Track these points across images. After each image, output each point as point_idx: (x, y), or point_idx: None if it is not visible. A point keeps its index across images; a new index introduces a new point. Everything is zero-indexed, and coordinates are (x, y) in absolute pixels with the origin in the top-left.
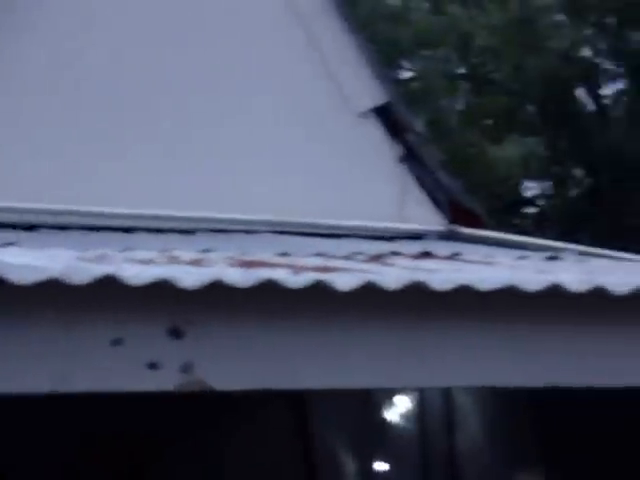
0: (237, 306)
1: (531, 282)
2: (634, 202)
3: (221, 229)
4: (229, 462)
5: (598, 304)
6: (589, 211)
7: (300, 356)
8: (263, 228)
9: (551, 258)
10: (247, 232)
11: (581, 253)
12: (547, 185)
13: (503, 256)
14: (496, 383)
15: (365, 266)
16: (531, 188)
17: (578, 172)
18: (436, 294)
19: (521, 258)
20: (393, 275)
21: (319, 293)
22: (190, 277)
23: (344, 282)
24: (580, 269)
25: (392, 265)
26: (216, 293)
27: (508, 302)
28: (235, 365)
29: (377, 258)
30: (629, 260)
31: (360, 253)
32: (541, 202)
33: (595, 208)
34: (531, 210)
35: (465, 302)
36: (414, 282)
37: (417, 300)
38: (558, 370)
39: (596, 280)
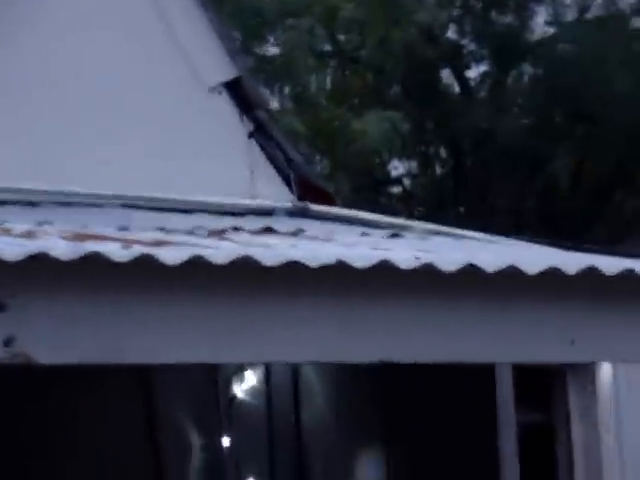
0: (63, 280)
1: (362, 258)
2: (497, 182)
3: (66, 202)
4: (68, 437)
5: (430, 281)
6: (454, 191)
7: (126, 330)
8: (110, 202)
9: (393, 235)
10: (93, 205)
11: (430, 232)
12: (413, 164)
13: (346, 233)
14: (329, 359)
15: (201, 241)
16: (398, 167)
17: (443, 152)
18: (267, 270)
19: (363, 235)
20: (223, 250)
21: (147, 267)
22: (13, 250)
23: (171, 256)
24: (417, 246)
25: (228, 240)
26: (40, 266)
27: (339, 278)
28: (60, 338)
29: (217, 233)
30: (474, 239)
31: (202, 228)
32: (408, 181)
33: (460, 188)
34: (398, 189)
35: (296, 278)
36: (243, 257)
37: (247, 276)
38: (391, 347)
39: (427, 257)
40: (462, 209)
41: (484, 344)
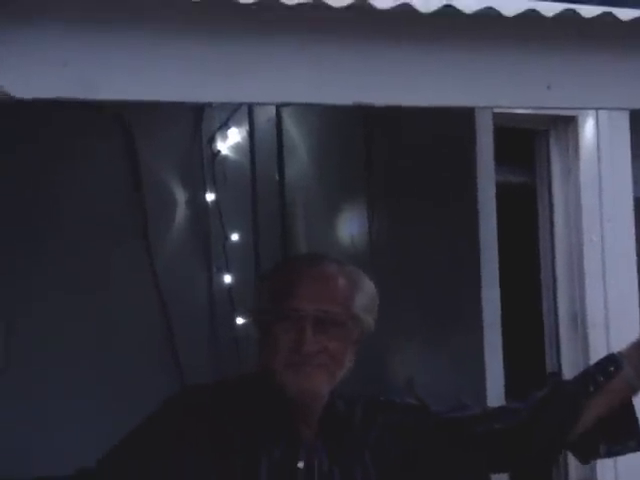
0: (40, 9)
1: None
2: None
3: None
4: (55, 180)
5: (408, 22)
6: None
7: (105, 66)
8: None
9: None
10: None
11: None
12: None
13: None
14: (303, 100)
15: None
16: None
17: None
18: (245, 7)
19: None
20: None
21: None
22: None
23: None
24: None
25: None
26: None
27: (314, 18)
28: (36, 73)
29: None
30: None
31: None
32: None
33: None
34: None
35: (271, 15)
36: None
37: (221, 12)
38: (367, 88)
39: None
40: None
41: (462, 87)
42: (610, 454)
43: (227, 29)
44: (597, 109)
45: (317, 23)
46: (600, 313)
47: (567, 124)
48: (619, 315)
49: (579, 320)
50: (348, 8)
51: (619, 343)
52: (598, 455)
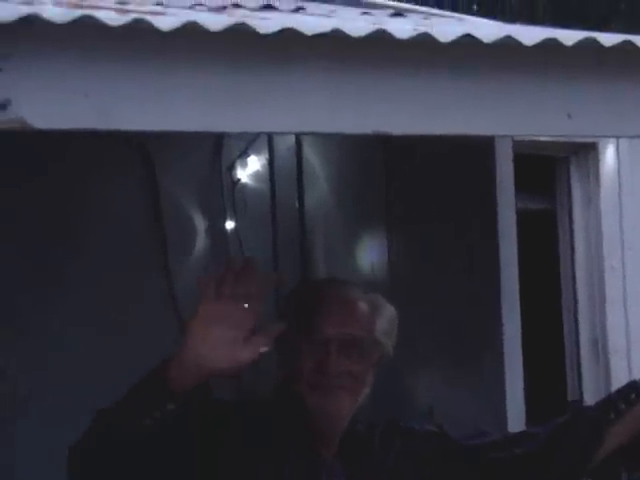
0: (58, 44)
1: (359, 29)
2: None
3: None
4: (77, 208)
5: (427, 52)
6: None
7: (123, 96)
8: None
9: (395, 15)
10: None
11: (433, 14)
12: None
13: (347, 11)
14: (322, 129)
15: (200, 14)
16: None
17: None
18: (261, 37)
19: (364, 14)
20: (220, 17)
21: (141, 33)
22: (5, 9)
23: (166, 22)
24: (417, 23)
25: (227, 14)
26: (34, 30)
27: (334, 47)
28: (54, 103)
29: (217, 9)
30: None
31: (202, 5)
32: None
33: None
34: None
35: (292, 46)
36: (238, 24)
37: (242, 43)
38: (386, 118)
39: (425, 29)
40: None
41: (482, 116)
42: None
43: (245, 59)
44: (617, 137)
45: (336, 53)
46: (621, 339)
47: (587, 151)
48: None
49: (600, 346)
50: (367, 38)
51: None
52: None
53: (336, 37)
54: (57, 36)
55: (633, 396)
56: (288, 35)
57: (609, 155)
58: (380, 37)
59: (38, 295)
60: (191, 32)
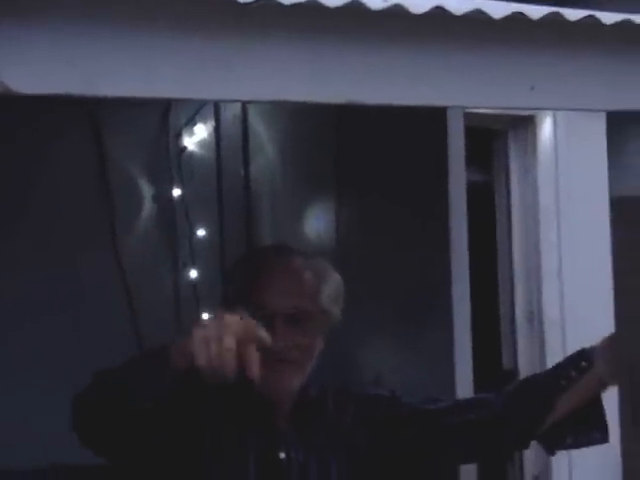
0: (42, 9)
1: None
2: None
3: None
4: (21, 173)
5: (399, 23)
6: None
7: (104, 63)
8: None
9: None
10: None
11: None
12: None
13: None
14: (298, 98)
15: None
16: None
17: None
18: (242, 7)
19: None
20: None
21: None
22: None
23: None
24: None
25: None
26: None
27: (311, 18)
28: (39, 69)
29: None
30: None
31: None
32: None
33: None
34: None
35: (269, 16)
36: None
37: (222, 12)
38: (359, 88)
39: (398, 1)
40: None
41: (449, 87)
42: (576, 445)
43: (223, 27)
44: (578, 110)
45: (312, 22)
46: (556, 311)
47: (526, 124)
48: (575, 313)
49: (535, 318)
50: (342, 8)
51: (575, 340)
52: (565, 446)
53: (312, 7)
54: (42, 3)
55: (584, 364)
56: (265, 4)
57: (546, 128)
58: (355, 8)
59: None
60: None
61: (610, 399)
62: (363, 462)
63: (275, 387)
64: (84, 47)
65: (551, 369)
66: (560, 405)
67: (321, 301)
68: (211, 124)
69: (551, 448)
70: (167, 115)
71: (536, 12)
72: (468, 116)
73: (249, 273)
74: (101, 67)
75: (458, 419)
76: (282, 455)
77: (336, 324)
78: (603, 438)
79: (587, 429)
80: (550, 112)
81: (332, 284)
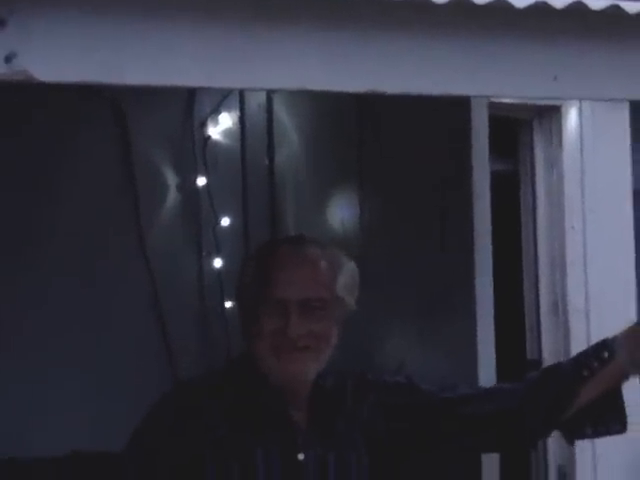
0: None
1: None
2: None
3: None
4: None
5: (419, 12)
6: None
7: (127, 51)
8: None
9: None
10: None
11: None
12: None
13: None
14: (318, 87)
15: None
16: None
17: None
18: None
19: None
20: None
21: None
22: None
23: None
24: None
25: None
26: None
27: (329, 8)
28: (60, 56)
29: None
30: None
31: None
32: None
33: None
34: None
35: (288, 4)
36: None
37: (243, 3)
38: (380, 77)
39: None
40: None
41: (472, 76)
42: (594, 435)
43: (247, 16)
44: (600, 100)
45: (331, 12)
46: (581, 300)
47: (551, 114)
48: (599, 302)
49: (560, 307)
50: None
51: (599, 330)
52: (584, 436)
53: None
54: None
55: (606, 354)
56: None
57: (572, 118)
58: None
59: (11, 253)
60: None
61: (632, 389)
62: (381, 452)
63: (289, 375)
64: (108, 36)
65: (573, 359)
66: (581, 395)
67: (336, 290)
68: (236, 113)
69: (570, 438)
70: (192, 104)
71: (559, 1)
72: (493, 105)
73: (265, 262)
74: (125, 56)
75: (477, 408)
76: (301, 457)
77: (351, 313)
78: (622, 429)
79: (607, 420)
80: (576, 101)
81: (347, 273)
